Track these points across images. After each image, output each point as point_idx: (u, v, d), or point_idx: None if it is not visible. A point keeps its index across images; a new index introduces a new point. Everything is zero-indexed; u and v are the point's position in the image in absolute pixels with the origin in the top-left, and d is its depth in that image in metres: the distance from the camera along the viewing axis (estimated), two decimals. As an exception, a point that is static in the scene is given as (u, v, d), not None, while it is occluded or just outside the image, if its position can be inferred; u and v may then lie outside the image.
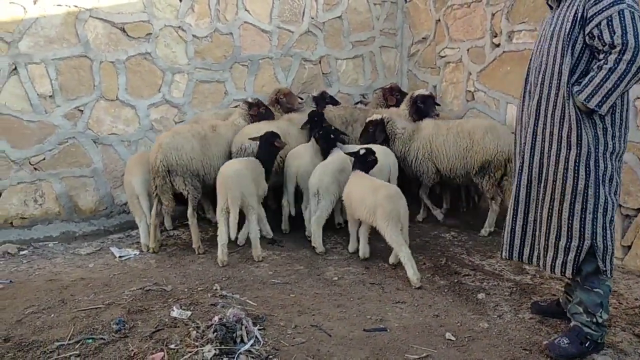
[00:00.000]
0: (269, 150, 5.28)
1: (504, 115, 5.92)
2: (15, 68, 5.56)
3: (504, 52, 5.89)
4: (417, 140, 5.71)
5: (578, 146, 3.08)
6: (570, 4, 3.13)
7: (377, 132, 5.73)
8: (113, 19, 5.93)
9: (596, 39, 2.98)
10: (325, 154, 5.53)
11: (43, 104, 5.73)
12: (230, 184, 4.86)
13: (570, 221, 3.15)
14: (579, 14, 3.03)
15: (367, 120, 5.69)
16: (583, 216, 3.12)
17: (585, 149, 3.07)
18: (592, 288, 3.20)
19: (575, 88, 3.06)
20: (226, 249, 4.90)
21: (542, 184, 3.28)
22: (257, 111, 5.85)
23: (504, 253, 3.55)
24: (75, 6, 5.73)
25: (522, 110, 3.45)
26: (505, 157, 5.33)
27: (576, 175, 3.10)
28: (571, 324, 3.31)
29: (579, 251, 3.14)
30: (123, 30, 6.01)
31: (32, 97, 5.66)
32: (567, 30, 3.08)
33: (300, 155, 5.58)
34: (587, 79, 3.01)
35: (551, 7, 3.39)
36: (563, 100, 3.11)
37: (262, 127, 5.68)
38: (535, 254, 3.38)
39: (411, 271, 4.31)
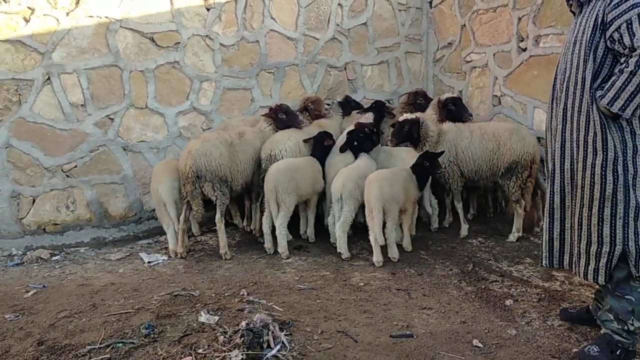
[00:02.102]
0: (321, 149, 5.67)
1: (531, 119, 5.85)
2: (49, 78, 5.71)
3: (530, 56, 5.82)
4: (442, 144, 5.60)
5: (604, 151, 3.05)
6: (591, 9, 3.12)
7: (412, 131, 5.55)
8: (142, 29, 6.06)
9: (617, 42, 2.97)
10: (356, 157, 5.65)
11: (75, 112, 5.87)
12: (267, 179, 5.27)
13: (600, 227, 3.12)
14: (599, 19, 3.02)
15: (401, 119, 5.58)
16: (613, 222, 3.09)
17: (612, 153, 3.04)
18: (623, 295, 3.15)
19: (598, 93, 3.05)
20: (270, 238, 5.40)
21: (573, 191, 3.26)
22: (275, 116, 5.88)
23: (544, 261, 3.51)
24: (106, 17, 5.87)
25: (551, 118, 3.44)
26: (531, 158, 5.34)
27: (603, 180, 3.07)
28: (601, 332, 3.26)
29: (610, 257, 3.10)
30: (152, 39, 6.13)
31: (65, 106, 5.81)
32: (588, 36, 3.08)
33: (335, 162, 5.63)
34: (609, 83, 3.00)
35: (574, 14, 3.37)
36: (587, 105, 3.10)
37: (291, 135, 5.77)
38: (573, 260, 3.35)
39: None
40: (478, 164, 5.55)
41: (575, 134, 3.20)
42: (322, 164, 5.69)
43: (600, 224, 3.12)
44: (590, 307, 3.61)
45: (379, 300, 4.15)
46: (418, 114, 5.79)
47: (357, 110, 6.56)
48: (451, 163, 5.61)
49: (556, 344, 3.40)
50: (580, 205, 3.21)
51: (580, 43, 3.14)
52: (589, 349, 3.18)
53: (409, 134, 5.55)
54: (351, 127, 5.84)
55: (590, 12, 3.12)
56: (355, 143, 5.62)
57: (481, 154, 5.51)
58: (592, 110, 3.08)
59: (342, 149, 5.66)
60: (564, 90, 3.26)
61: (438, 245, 5.48)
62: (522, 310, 3.91)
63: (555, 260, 3.45)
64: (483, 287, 4.38)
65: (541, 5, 5.65)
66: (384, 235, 4.94)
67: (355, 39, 7.28)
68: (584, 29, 3.13)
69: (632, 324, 3.13)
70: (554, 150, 3.37)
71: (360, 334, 3.57)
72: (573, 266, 3.35)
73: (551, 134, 3.43)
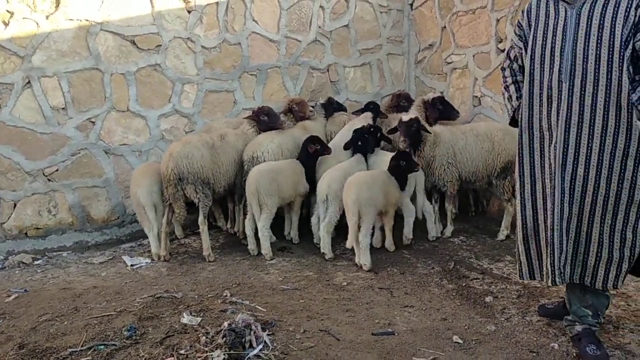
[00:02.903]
0: (307, 153, 5.62)
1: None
2: (29, 82, 5.68)
3: (509, 57, 5.90)
4: (440, 146, 5.48)
5: (638, 156, 2.99)
6: (607, 5, 2.94)
7: (420, 130, 5.35)
8: (123, 32, 6.05)
9: None
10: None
11: (56, 116, 5.84)
12: (248, 182, 5.29)
13: (623, 232, 3.07)
14: (632, 20, 2.87)
15: (404, 119, 5.40)
16: (636, 225, 3.07)
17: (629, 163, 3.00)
18: (604, 291, 3.26)
19: (635, 97, 2.93)
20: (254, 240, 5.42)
21: (592, 197, 3.07)
22: (257, 118, 5.90)
23: (557, 279, 3.20)
24: (87, 20, 5.85)
25: (534, 116, 3.24)
26: None
27: (633, 185, 3.00)
28: (579, 329, 3.27)
29: (631, 260, 3.10)
30: (133, 42, 6.12)
31: (45, 109, 5.78)
32: (618, 35, 2.89)
33: (327, 161, 5.70)
34: None
35: (565, 1, 3.07)
36: (617, 109, 2.94)
37: (274, 137, 5.79)
38: (588, 272, 3.18)
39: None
40: (475, 165, 5.49)
41: (597, 139, 3.01)
42: (313, 167, 5.67)
43: (624, 228, 3.07)
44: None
45: (361, 299, 4.19)
46: (414, 114, 5.68)
47: (354, 111, 6.62)
48: (450, 165, 5.50)
49: (534, 339, 3.45)
50: (602, 213, 3.08)
51: (599, 41, 2.92)
52: (590, 348, 3.14)
53: (418, 134, 5.38)
54: (358, 125, 5.79)
55: (606, 6, 2.93)
56: (360, 143, 5.63)
57: (478, 154, 5.47)
58: (630, 115, 2.95)
59: (346, 147, 5.70)
60: (574, 88, 3.02)
61: (420, 244, 5.52)
62: (501, 306, 3.96)
63: (566, 276, 3.20)
64: (464, 284, 4.43)
65: (519, 6, 5.73)
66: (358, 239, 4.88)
67: (337, 40, 7.32)
68: (602, 25, 2.92)
69: (603, 316, 3.29)
70: (561, 155, 3.09)
71: (342, 333, 3.60)
72: (588, 278, 3.18)
73: (534, 136, 3.26)
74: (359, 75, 7.57)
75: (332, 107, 6.63)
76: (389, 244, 5.34)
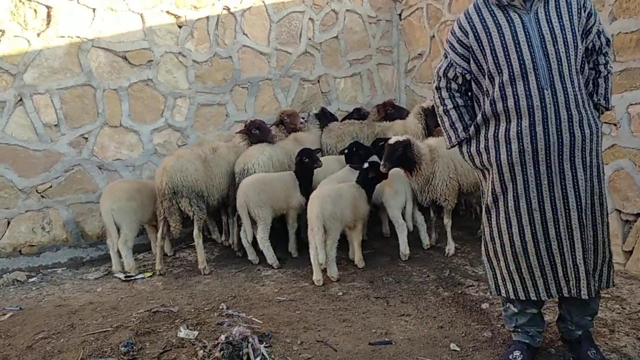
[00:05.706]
0: (301, 165, 5.58)
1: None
2: (21, 99, 5.69)
3: (497, 64, 5.95)
4: (438, 161, 5.16)
5: (599, 157, 3.00)
6: (556, 5, 2.92)
7: (407, 153, 4.98)
8: (115, 48, 6.07)
9: (596, 45, 3.03)
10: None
11: (48, 133, 5.85)
12: (238, 194, 5.34)
13: (601, 233, 3.02)
14: (577, 22, 2.92)
15: (391, 141, 5.00)
16: (607, 226, 3.07)
17: (601, 159, 3.04)
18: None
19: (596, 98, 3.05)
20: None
21: (591, 200, 2.96)
22: (248, 132, 5.92)
23: (565, 291, 2.99)
24: (78, 37, 5.88)
25: (511, 130, 2.96)
26: None
27: (600, 185, 3.00)
28: (579, 333, 3.24)
29: (611, 261, 3.11)
30: (125, 58, 6.15)
31: (38, 126, 5.79)
32: (571, 39, 2.89)
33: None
34: (602, 87, 3.05)
35: (514, 7, 2.94)
36: (574, 114, 2.88)
37: (265, 149, 5.82)
38: (572, 282, 2.97)
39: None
40: (475, 175, 5.24)
41: (588, 140, 2.91)
42: (309, 179, 5.60)
43: (603, 229, 3.02)
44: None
45: (357, 309, 4.19)
46: (407, 136, 5.18)
47: (342, 118, 6.75)
48: (452, 179, 5.19)
49: (531, 344, 3.47)
50: (601, 215, 2.99)
51: (564, 42, 2.87)
52: (591, 352, 3.14)
53: (403, 157, 4.99)
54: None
55: (559, 10, 2.91)
56: (354, 149, 5.72)
57: None
58: (592, 116, 2.96)
59: (342, 152, 5.86)
60: (561, 93, 2.87)
61: (415, 252, 5.52)
62: (497, 313, 3.97)
63: (584, 290, 2.96)
64: (459, 292, 4.45)
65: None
66: (325, 253, 4.79)
67: (327, 52, 7.38)
68: (563, 27, 2.89)
69: (597, 314, 3.28)
70: (557, 163, 2.90)
71: (339, 343, 3.60)
72: (574, 290, 2.98)
73: (522, 148, 2.93)
74: (349, 86, 7.63)
75: (325, 117, 6.67)
76: (358, 259, 5.20)
